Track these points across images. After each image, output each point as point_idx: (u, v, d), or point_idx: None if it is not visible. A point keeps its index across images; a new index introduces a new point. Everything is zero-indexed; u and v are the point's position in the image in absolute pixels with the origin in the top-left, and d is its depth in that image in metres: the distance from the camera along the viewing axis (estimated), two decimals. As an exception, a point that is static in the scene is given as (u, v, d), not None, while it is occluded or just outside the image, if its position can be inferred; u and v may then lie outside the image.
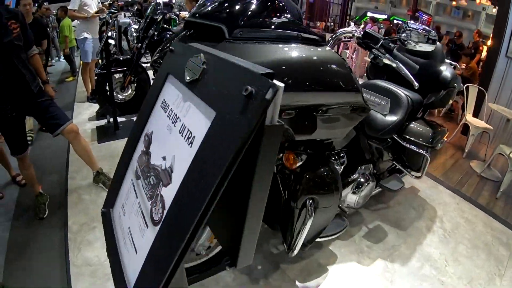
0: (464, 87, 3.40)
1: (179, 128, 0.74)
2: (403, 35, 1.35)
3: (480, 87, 3.56)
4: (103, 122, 3.40)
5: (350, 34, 1.38)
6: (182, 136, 0.71)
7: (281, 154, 1.25)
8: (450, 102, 2.36)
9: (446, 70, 2.02)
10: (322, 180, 1.33)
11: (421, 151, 1.86)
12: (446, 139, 2.14)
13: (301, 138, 1.18)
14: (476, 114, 3.65)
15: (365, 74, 2.41)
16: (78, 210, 2.04)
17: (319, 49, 1.08)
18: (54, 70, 6.08)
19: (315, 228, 1.41)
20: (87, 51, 3.83)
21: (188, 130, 0.70)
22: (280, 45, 1.00)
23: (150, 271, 0.65)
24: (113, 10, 5.39)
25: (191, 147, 0.66)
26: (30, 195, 2.16)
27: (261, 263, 1.66)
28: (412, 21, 1.38)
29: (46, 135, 2.01)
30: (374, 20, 9.62)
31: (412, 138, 1.88)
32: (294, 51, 1.02)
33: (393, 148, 1.95)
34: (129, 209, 0.86)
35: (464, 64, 4.64)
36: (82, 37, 3.75)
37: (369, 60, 2.00)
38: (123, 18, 4.86)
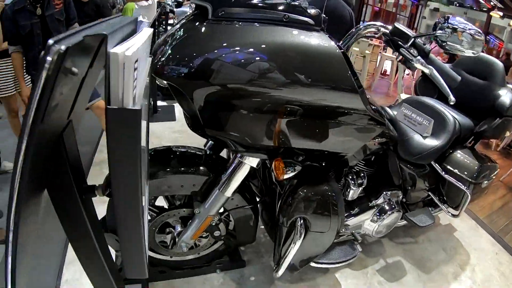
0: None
1: None
2: (438, 32, 1.04)
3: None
4: (144, 103, 3.52)
5: (375, 29, 1.16)
6: None
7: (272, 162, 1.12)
8: (508, 134, 2.03)
9: (505, 95, 1.73)
10: (318, 200, 1.15)
11: (461, 185, 1.61)
12: (495, 177, 1.84)
13: (297, 145, 1.02)
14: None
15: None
16: (95, 183, 2.09)
17: (306, 33, 0.88)
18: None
19: (305, 252, 1.26)
20: (139, 34, 4.00)
21: None
22: (260, 27, 0.86)
23: None
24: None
25: None
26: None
27: (256, 274, 1.54)
28: (458, 17, 1.06)
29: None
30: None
31: (453, 169, 1.63)
32: (271, 34, 0.85)
33: (430, 177, 1.71)
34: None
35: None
36: (138, 20, 3.93)
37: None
38: (187, 8, 5.01)
